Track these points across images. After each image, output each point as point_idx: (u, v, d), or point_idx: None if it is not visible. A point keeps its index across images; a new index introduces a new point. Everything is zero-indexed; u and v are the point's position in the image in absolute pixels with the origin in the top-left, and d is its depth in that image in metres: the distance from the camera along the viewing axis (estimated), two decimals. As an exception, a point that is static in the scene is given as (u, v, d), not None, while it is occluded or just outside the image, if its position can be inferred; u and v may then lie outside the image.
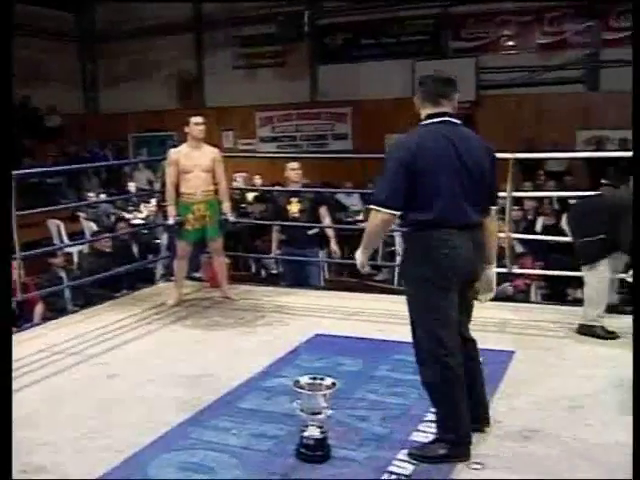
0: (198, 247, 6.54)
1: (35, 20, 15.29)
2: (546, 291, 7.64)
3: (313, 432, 3.23)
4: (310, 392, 3.23)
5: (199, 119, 6.05)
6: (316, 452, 3.23)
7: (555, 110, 13.25)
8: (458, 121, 3.26)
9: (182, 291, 6.17)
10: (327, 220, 6.97)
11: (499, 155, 5.27)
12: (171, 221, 6.00)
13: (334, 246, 6.90)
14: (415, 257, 3.21)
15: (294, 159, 7.21)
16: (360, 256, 3.39)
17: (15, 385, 4.21)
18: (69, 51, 17.04)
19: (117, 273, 7.23)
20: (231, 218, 6.20)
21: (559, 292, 7.47)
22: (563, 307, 6.00)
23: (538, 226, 8.63)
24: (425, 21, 14.39)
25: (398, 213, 3.16)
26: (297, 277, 6.93)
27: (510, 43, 13.77)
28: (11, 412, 2.28)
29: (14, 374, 4.38)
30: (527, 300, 7.37)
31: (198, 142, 6.00)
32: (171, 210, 6.00)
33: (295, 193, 6.87)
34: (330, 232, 6.96)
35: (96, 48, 17.22)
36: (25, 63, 15.26)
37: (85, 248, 9.06)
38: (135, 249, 8.66)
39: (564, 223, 5.55)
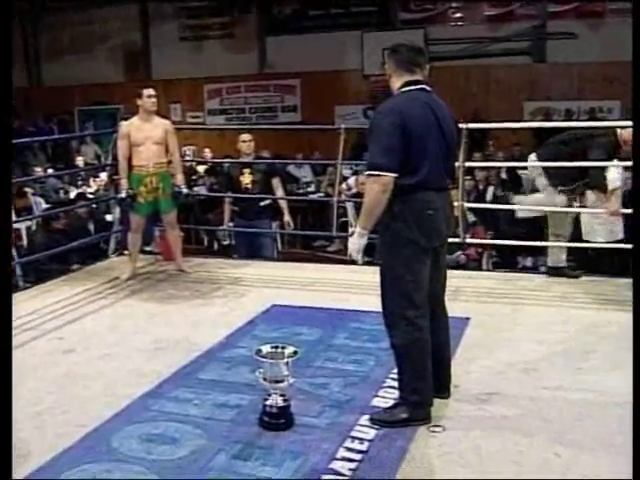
0: (151, 220, 6.49)
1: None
2: (497, 259, 7.79)
3: (276, 400, 3.26)
4: (272, 360, 3.26)
5: (151, 91, 5.98)
6: (279, 420, 3.26)
7: (502, 82, 13.43)
8: (430, 89, 3.31)
9: (136, 265, 6.12)
10: (280, 192, 6.97)
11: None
12: (123, 194, 5.92)
13: (287, 217, 6.90)
14: (402, 219, 3.20)
15: (245, 131, 7.15)
16: (357, 239, 3.32)
17: (-31, 362, 4.17)
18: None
19: (69, 248, 7.13)
20: (184, 190, 6.14)
21: (509, 260, 7.63)
22: (513, 274, 6.13)
23: (488, 196, 8.77)
24: (374, -8, 14.39)
25: (396, 175, 3.13)
26: (250, 249, 6.93)
27: (458, 15, 13.86)
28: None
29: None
30: (479, 268, 7.53)
31: (149, 114, 5.94)
32: (123, 183, 5.92)
33: (247, 165, 6.85)
34: (283, 204, 6.96)
35: (38, 20, 16.77)
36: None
37: (33, 225, 8.91)
38: (91, 225, 8.52)
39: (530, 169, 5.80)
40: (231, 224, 7.14)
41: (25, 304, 5.32)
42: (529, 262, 7.59)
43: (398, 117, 3.14)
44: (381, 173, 3.12)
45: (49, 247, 7.01)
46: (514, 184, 9.08)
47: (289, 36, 14.92)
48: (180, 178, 6.10)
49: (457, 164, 5.38)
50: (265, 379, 3.27)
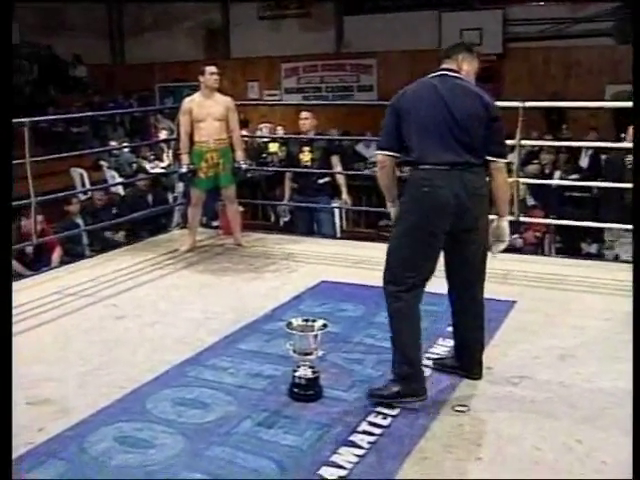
0: (214, 195, 6.63)
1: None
2: (560, 245, 7.66)
3: (305, 372, 3.34)
4: (302, 333, 3.33)
5: (214, 68, 6.10)
6: (307, 391, 3.34)
7: (583, 64, 13.07)
8: (459, 75, 3.40)
9: (195, 238, 6.28)
10: (339, 169, 7.01)
11: (510, 104, 5.32)
12: (184, 169, 6.07)
13: (345, 195, 6.95)
14: (405, 196, 3.32)
15: (309, 108, 7.22)
16: (390, 209, 3.53)
17: (28, 324, 4.43)
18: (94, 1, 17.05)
19: (132, 219, 7.40)
20: (244, 166, 6.25)
21: (573, 246, 7.48)
22: (572, 260, 6.01)
23: (554, 180, 8.58)
24: (451, -29, 14.17)
25: (393, 153, 3.33)
26: (308, 226, 7.02)
27: (539, -6, 13.54)
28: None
29: (29, 314, 4.59)
30: (541, 254, 7.41)
31: (212, 91, 6.06)
32: (184, 158, 6.07)
33: (307, 142, 6.92)
34: (341, 181, 7.00)
35: (122, -2, 17.22)
36: (50, 12, 15.35)
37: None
38: (150, 199, 8.76)
39: None
40: (290, 200, 7.23)
41: (86, 271, 5.56)
42: (594, 249, 7.42)
43: (395, 99, 3.37)
44: (377, 152, 3.42)
45: (113, 218, 7.26)
46: (593, 170, 8.85)
47: (366, 15, 14.89)
48: (240, 154, 6.20)
49: (512, 142, 5.36)
50: (295, 351, 3.35)
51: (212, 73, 6.05)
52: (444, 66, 3.42)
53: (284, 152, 10.42)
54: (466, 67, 3.46)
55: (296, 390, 3.36)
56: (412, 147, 3.26)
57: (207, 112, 6.02)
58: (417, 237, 3.25)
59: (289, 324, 3.41)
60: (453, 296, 3.53)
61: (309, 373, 3.34)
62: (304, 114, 6.95)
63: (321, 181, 6.91)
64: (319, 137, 7.30)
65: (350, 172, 7.27)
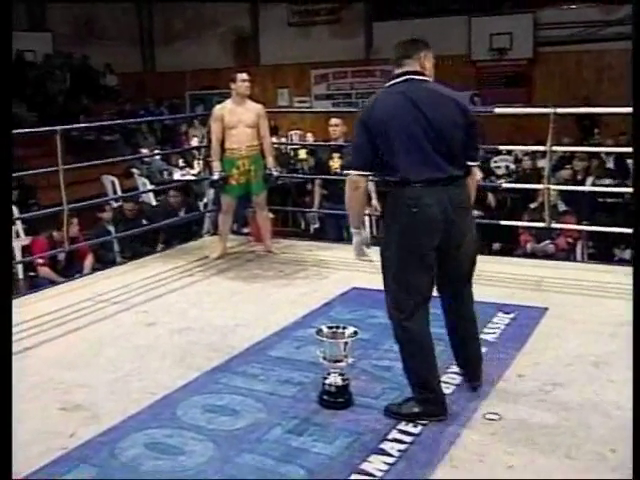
0: (244, 202, 6.64)
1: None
2: (592, 251, 7.56)
3: (335, 379, 3.33)
4: (332, 340, 3.33)
5: (245, 75, 6.10)
6: (337, 399, 3.33)
7: (616, 68, 12.93)
8: (426, 78, 3.19)
9: (226, 244, 6.30)
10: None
11: (540, 110, 5.27)
12: (215, 176, 6.09)
13: (374, 201, 6.93)
14: (390, 218, 3.16)
15: (339, 115, 7.22)
16: (354, 239, 3.36)
17: (60, 330, 4.49)
18: (126, 9, 17.26)
19: (161, 226, 7.47)
20: (275, 173, 6.25)
21: (606, 252, 7.39)
22: (604, 266, 5.94)
23: (586, 186, 8.49)
24: (482, -25, 14.15)
25: (368, 173, 3.15)
26: (337, 232, 7.01)
27: (570, -3, 13.45)
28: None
29: (61, 320, 4.64)
30: (573, 260, 7.32)
31: (243, 98, 6.07)
32: (216, 165, 6.08)
33: (337, 149, 6.92)
34: (371, 187, 6.96)
35: (152, 6, 17.39)
36: (82, 22, 15.56)
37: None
38: (182, 213, 8.78)
39: None
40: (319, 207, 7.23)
41: (118, 278, 5.62)
42: (627, 255, 7.32)
43: (365, 115, 3.12)
44: (350, 172, 3.17)
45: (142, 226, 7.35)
46: (620, 173, 8.77)
47: (396, 21, 14.89)
48: (271, 161, 6.21)
49: (544, 148, 5.30)
50: (325, 358, 3.35)
51: (243, 80, 6.04)
52: (407, 69, 3.17)
53: (313, 159, 10.46)
54: (428, 65, 3.24)
55: (326, 397, 3.35)
56: (394, 165, 3.05)
57: (239, 119, 6.02)
58: (410, 259, 3.10)
59: (319, 331, 3.40)
60: (446, 309, 3.43)
61: (339, 380, 3.34)
62: (334, 121, 6.96)
63: None
64: (348, 144, 7.27)
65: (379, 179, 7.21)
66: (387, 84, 3.23)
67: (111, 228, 7.79)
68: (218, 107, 6.14)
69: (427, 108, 3.05)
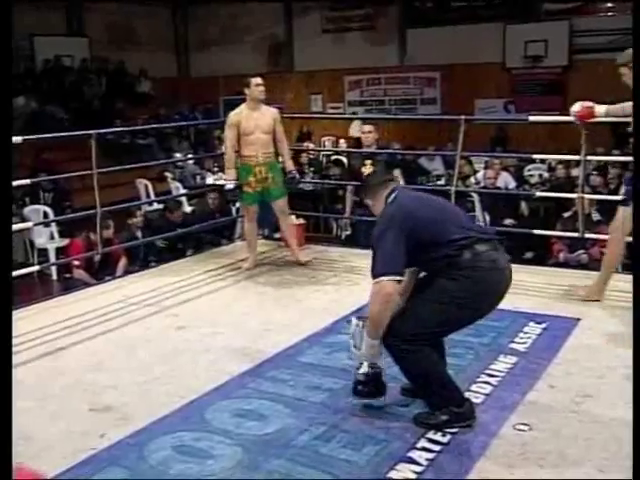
0: (270, 208, 6.37)
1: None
2: (627, 261, 7.43)
3: (366, 369, 3.30)
4: (362, 329, 3.30)
5: (259, 80, 5.88)
6: (369, 388, 3.30)
7: (654, 76, 12.75)
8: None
9: (256, 253, 6.19)
10: (400, 183, 6.97)
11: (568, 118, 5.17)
12: (231, 185, 5.94)
13: None
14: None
15: (372, 122, 7.21)
16: (367, 351, 3.25)
17: (92, 332, 4.53)
18: (161, 15, 17.44)
19: (197, 232, 7.51)
20: (297, 175, 6.15)
21: (641, 262, 7.27)
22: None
23: (620, 195, 8.37)
24: (517, -18, 14.05)
25: (401, 278, 3.26)
26: (369, 238, 6.97)
27: (607, 5, 13.27)
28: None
29: (94, 322, 4.69)
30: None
31: (258, 103, 5.87)
32: (230, 173, 5.94)
33: (369, 155, 6.90)
34: None
35: (187, 12, 17.55)
36: (118, 28, 15.75)
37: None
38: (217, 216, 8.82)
39: None
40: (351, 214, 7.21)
41: (150, 281, 5.66)
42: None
43: (402, 221, 3.24)
44: (383, 279, 3.16)
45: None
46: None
47: (430, 28, 14.86)
48: (290, 164, 6.13)
49: (578, 157, 5.26)
50: (355, 346, 3.32)
51: (257, 84, 5.84)
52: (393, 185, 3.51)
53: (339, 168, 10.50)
54: None
55: (359, 388, 3.33)
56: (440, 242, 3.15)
57: (255, 125, 5.84)
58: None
59: (349, 321, 3.40)
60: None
61: (369, 369, 3.30)
62: (367, 127, 6.94)
63: None
64: (381, 151, 7.27)
65: (412, 186, 7.19)
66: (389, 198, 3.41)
67: (139, 234, 7.84)
68: (233, 113, 5.93)
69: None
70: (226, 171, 5.98)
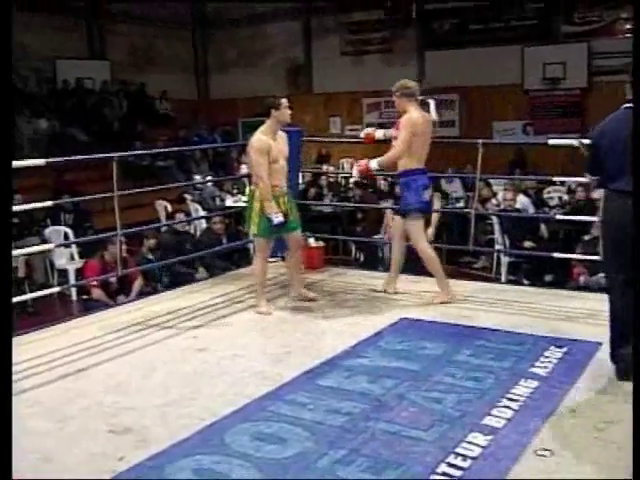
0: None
1: (149, 8, 15.93)
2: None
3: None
4: None
5: (287, 101, 5.37)
6: None
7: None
8: None
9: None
10: (437, 206, 7.01)
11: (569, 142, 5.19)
12: (280, 218, 5.27)
13: (430, 230, 6.90)
14: None
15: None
16: None
17: (111, 353, 4.54)
18: (181, 38, 17.65)
19: (210, 255, 7.55)
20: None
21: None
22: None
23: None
24: (535, 5, 14.08)
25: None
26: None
27: (626, 26, 13.25)
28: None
29: (113, 343, 4.70)
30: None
31: (281, 127, 5.43)
32: (274, 207, 5.26)
33: None
34: (434, 219, 6.95)
35: (207, 34, 17.73)
36: (138, 50, 15.96)
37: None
38: (224, 240, 8.85)
39: None
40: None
41: (168, 303, 5.67)
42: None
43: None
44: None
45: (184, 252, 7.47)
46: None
47: (448, 50, 14.93)
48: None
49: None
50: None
51: (287, 107, 5.33)
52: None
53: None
54: None
55: None
56: None
57: (279, 151, 5.34)
58: None
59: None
60: None
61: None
62: None
63: None
64: (400, 172, 7.28)
65: (441, 210, 7.22)
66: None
67: (151, 257, 7.87)
68: (262, 137, 5.28)
69: None
70: (268, 204, 5.24)
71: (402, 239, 5.72)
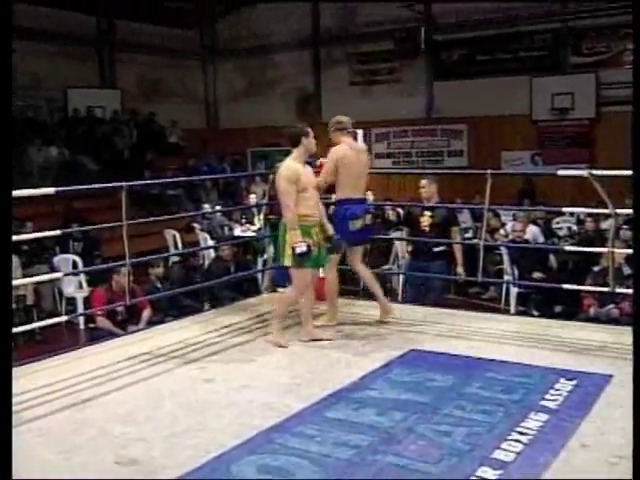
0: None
1: (159, 38, 16.11)
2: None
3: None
4: None
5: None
6: None
7: (682, 127, 12.73)
8: None
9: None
10: (457, 240, 7.11)
11: (602, 172, 5.19)
12: (303, 247, 5.19)
13: (460, 268, 6.92)
14: None
15: (429, 177, 7.24)
16: None
17: (118, 383, 4.52)
18: (191, 67, 17.83)
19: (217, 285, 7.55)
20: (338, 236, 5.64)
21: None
22: (673, 333, 5.74)
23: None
24: (543, 36, 14.18)
25: None
26: (418, 290, 7.05)
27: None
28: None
29: (121, 373, 4.68)
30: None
31: (307, 156, 5.42)
32: (298, 235, 5.20)
33: (429, 207, 6.98)
34: (458, 253, 6.96)
35: (216, 64, 17.89)
36: (148, 80, 16.12)
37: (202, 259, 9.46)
38: (232, 268, 8.84)
39: None
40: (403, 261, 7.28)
41: (176, 333, 5.65)
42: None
43: None
44: None
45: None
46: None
47: (456, 81, 15.02)
48: (330, 226, 5.62)
49: (607, 211, 5.25)
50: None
51: (313, 136, 5.35)
52: None
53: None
54: None
55: None
56: None
57: (308, 180, 5.31)
58: None
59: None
60: None
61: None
62: (422, 182, 7.01)
63: (437, 249, 6.96)
64: (395, 204, 7.36)
65: (456, 241, 7.20)
66: None
67: (159, 285, 7.87)
68: (291, 165, 5.25)
69: None
70: (293, 232, 5.20)
71: (360, 265, 6.00)
